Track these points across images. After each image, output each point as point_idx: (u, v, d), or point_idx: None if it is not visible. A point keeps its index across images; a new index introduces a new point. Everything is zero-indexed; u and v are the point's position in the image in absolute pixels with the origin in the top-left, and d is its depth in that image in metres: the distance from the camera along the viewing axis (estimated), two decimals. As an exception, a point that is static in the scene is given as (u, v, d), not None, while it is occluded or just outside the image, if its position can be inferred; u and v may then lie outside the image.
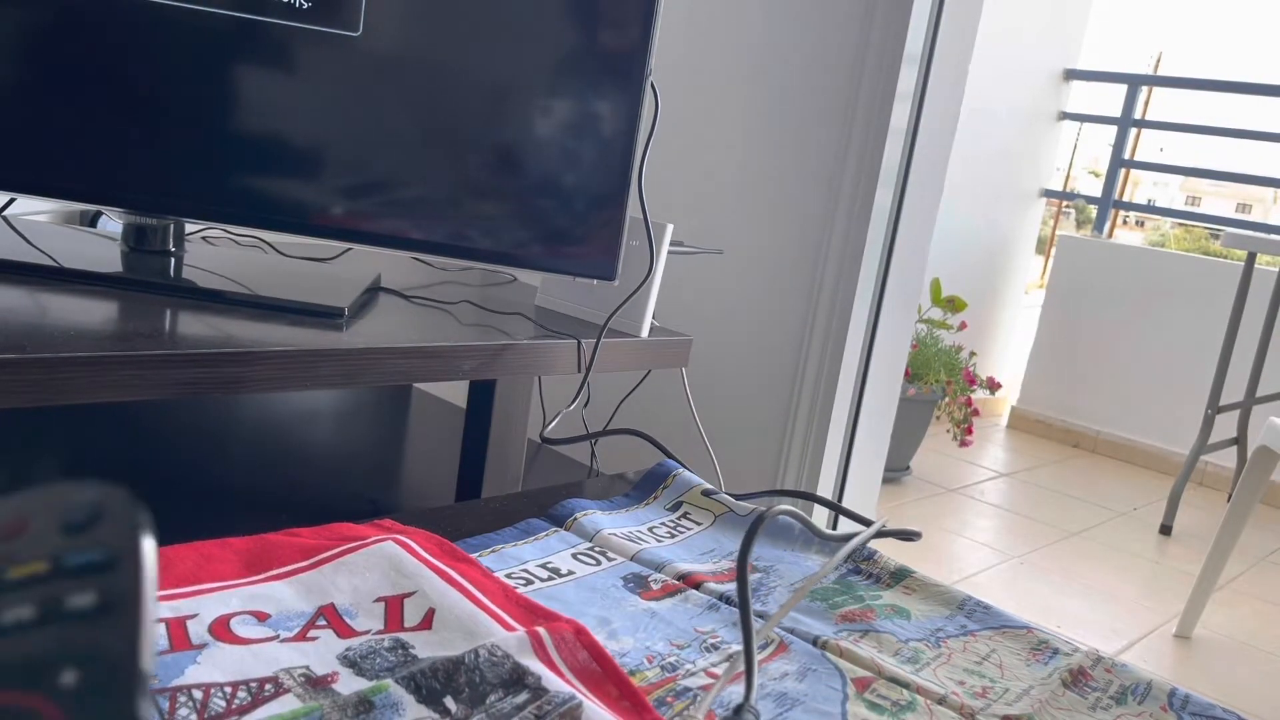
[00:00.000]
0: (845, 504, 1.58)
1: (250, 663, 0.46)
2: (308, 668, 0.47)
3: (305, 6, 0.86)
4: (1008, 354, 4.00)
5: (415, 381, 0.91)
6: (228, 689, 0.44)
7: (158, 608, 0.49)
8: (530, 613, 0.54)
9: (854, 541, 0.69)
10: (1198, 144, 4.54)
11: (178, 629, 0.48)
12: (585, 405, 1.42)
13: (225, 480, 1.13)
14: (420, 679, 0.46)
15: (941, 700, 0.55)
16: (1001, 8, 3.17)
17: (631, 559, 0.67)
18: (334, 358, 0.82)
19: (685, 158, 1.66)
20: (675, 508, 0.78)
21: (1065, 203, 4.64)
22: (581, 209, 0.97)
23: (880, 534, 0.71)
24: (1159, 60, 5.15)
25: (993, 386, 3.16)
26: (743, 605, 0.54)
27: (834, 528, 0.77)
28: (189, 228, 1.11)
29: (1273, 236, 2.73)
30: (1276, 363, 3.13)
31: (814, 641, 0.59)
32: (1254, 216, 6.61)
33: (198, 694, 0.43)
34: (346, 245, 1.16)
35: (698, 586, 0.64)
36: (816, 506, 1.48)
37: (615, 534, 0.70)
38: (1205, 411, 2.81)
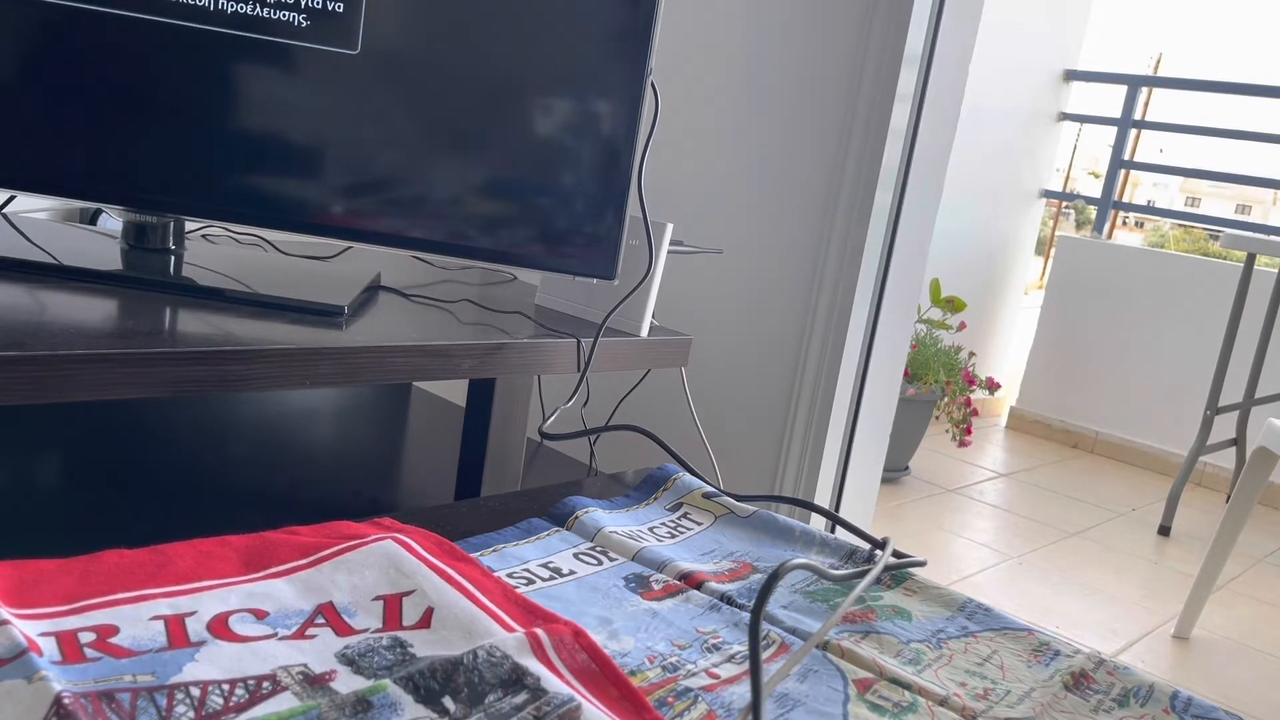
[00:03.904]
0: (844, 503, 1.58)
1: (248, 660, 0.46)
2: (306, 666, 0.47)
3: (304, 25, 0.86)
4: (1007, 354, 4.01)
5: (415, 380, 0.90)
6: (225, 686, 0.44)
7: (157, 604, 0.49)
8: (529, 613, 0.54)
9: (864, 583, 0.69)
10: (1197, 145, 4.54)
11: (176, 626, 0.48)
12: (585, 404, 1.42)
13: (225, 478, 1.13)
14: (419, 679, 0.46)
15: (943, 702, 0.55)
16: (1001, 8, 3.17)
17: (633, 558, 0.67)
18: (334, 356, 0.82)
19: (685, 158, 1.65)
20: (675, 508, 0.78)
21: (1065, 203, 4.64)
22: (581, 208, 0.97)
23: (886, 567, 0.71)
24: (1159, 61, 5.17)
25: (992, 387, 3.16)
26: (753, 657, 0.54)
27: (831, 532, 0.77)
28: (189, 225, 1.11)
29: (1272, 238, 2.73)
30: (1275, 364, 3.14)
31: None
32: (1253, 218, 6.62)
33: (195, 691, 0.43)
34: (346, 244, 1.16)
35: (699, 586, 0.64)
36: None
37: (616, 532, 0.70)
38: (1204, 412, 2.82)
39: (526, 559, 0.64)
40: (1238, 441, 3.07)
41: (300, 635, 0.49)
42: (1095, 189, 4.19)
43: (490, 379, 1.07)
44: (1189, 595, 2.10)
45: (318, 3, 0.86)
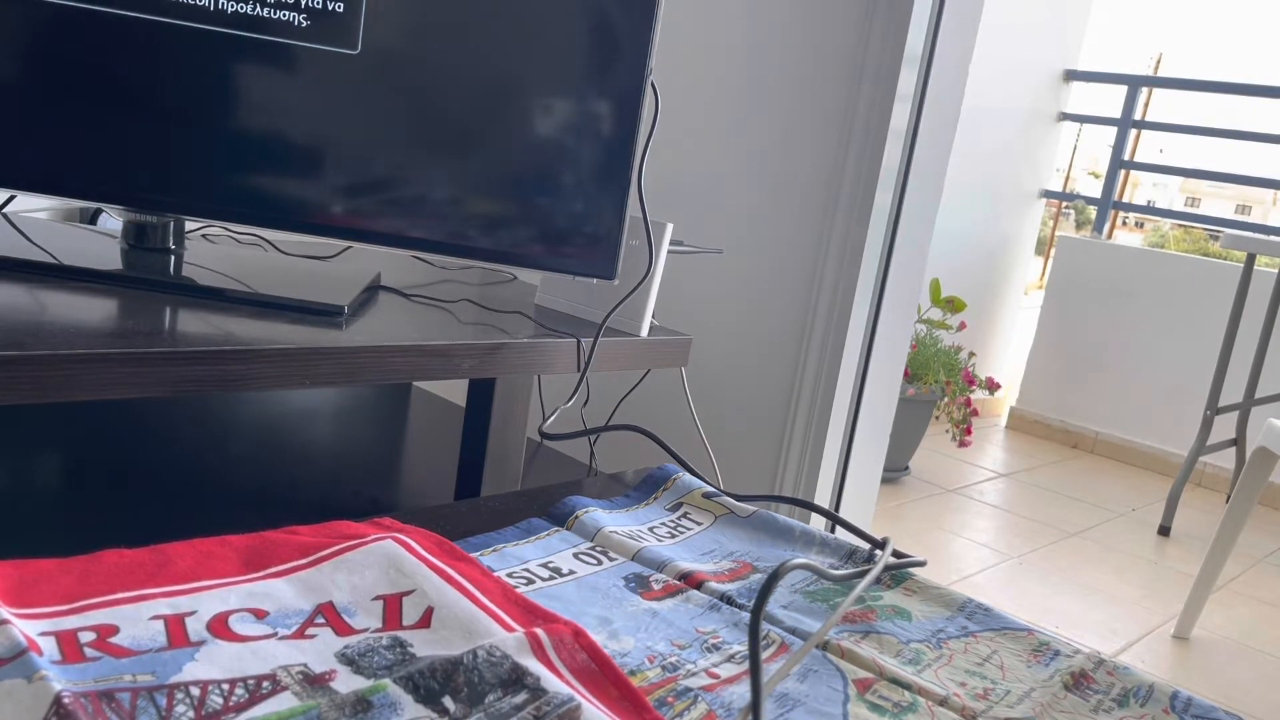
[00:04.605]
0: (844, 503, 1.58)
1: (248, 660, 0.46)
2: (305, 665, 0.47)
3: (304, 25, 0.86)
4: (1007, 354, 4.01)
5: (415, 380, 0.90)
6: (225, 686, 0.44)
7: (157, 604, 0.49)
8: (529, 613, 0.54)
9: (864, 583, 0.69)
10: (1197, 145, 4.55)
11: (176, 626, 0.48)
12: (585, 404, 1.42)
13: (225, 478, 1.13)
14: (419, 678, 0.46)
15: (943, 702, 0.55)
16: (1001, 8, 3.17)
17: (633, 558, 0.67)
18: (334, 356, 0.82)
19: (685, 158, 1.65)
20: (675, 508, 0.78)
21: (1065, 204, 4.64)
22: (581, 208, 0.97)
23: (886, 567, 0.71)
24: (1159, 61, 5.17)
25: (992, 387, 3.16)
26: (753, 657, 0.54)
27: (831, 533, 0.77)
28: (189, 225, 1.11)
29: (1272, 238, 2.73)
30: (1275, 364, 3.14)
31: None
32: (1253, 218, 6.63)
33: (195, 691, 0.43)
34: (346, 244, 1.16)
35: (699, 586, 0.64)
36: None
37: (616, 532, 0.70)
38: (1204, 412, 2.82)
39: (526, 559, 0.64)
40: (1238, 441, 3.07)
41: (300, 635, 0.49)
42: (1095, 189, 4.20)
43: (490, 379, 1.07)
44: (1189, 595, 2.10)
45: (318, 3, 0.86)
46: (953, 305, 2.94)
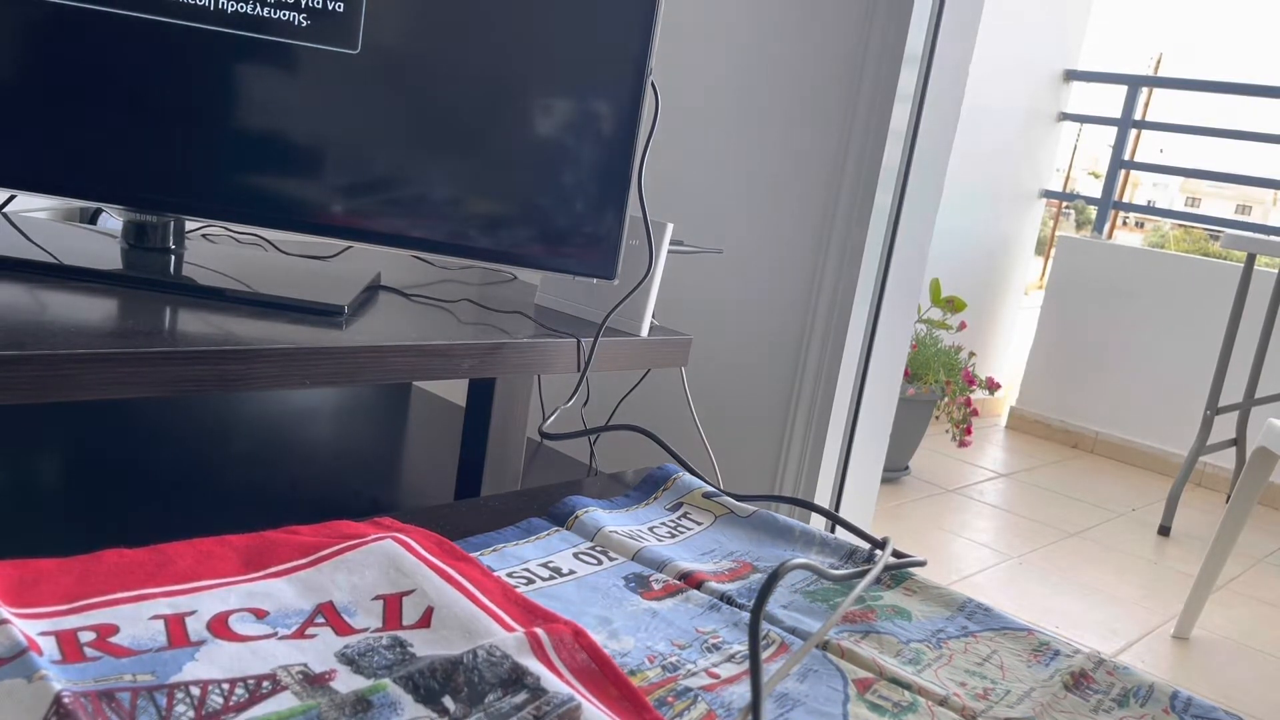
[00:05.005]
0: (844, 503, 1.58)
1: (248, 660, 0.46)
2: (305, 665, 0.47)
3: (304, 25, 0.86)
4: (1007, 354, 4.01)
5: (415, 379, 0.91)
6: (225, 686, 0.44)
7: (157, 604, 0.49)
8: (529, 613, 0.54)
9: (864, 583, 0.69)
10: (1198, 145, 4.55)
11: (176, 626, 0.48)
12: (585, 404, 1.42)
13: (225, 478, 1.13)
14: (418, 678, 0.46)
15: (943, 701, 0.55)
16: (1001, 8, 3.17)
17: (633, 558, 0.67)
18: (334, 355, 0.82)
19: (685, 158, 1.65)
20: (675, 508, 0.78)
21: (1065, 203, 4.64)
22: (581, 208, 0.97)
23: (886, 567, 0.71)
24: (1159, 61, 5.17)
25: (992, 387, 3.16)
26: (753, 657, 0.54)
27: (831, 533, 0.77)
28: (189, 225, 1.11)
29: (1272, 238, 2.73)
30: (1275, 364, 3.14)
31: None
32: (1254, 218, 6.63)
33: (195, 690, 0.43)
34: (346, 243, 1.16)
35: (699, 586, 0.64)
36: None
37: (616, 532, 0.70)
38: (1204, 412, 2.82)
39: (526, 559, 0.64)
40: (1238, 441, 3.07)
41: (300, 635, 0.49)
42: (1095, 189, 4.20)
43: (490, 379, 1.07)
44: (1189, 595, 2.10)
45: (318, 2, 0.86)
46: (953, 305, 2.94)
